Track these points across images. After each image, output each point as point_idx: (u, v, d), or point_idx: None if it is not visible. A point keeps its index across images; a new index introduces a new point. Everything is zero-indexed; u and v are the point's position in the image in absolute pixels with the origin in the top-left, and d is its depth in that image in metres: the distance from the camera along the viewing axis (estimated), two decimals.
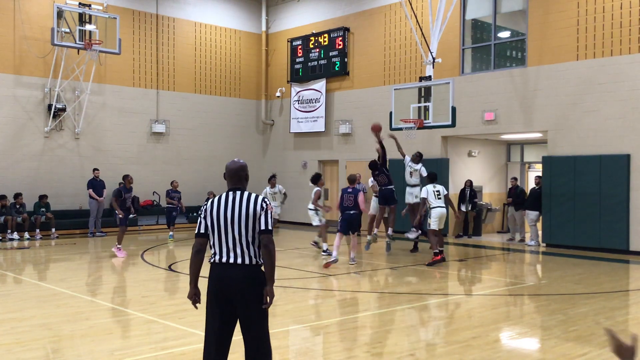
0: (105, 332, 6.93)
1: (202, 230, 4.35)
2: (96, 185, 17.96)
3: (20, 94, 17.75)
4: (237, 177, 4.45)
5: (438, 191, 12.41)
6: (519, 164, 19.72)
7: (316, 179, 13.93)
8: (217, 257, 4.29)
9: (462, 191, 17.62)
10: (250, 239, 4.26)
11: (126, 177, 14.01)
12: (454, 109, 14.08)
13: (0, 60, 17.43)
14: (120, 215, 13.36)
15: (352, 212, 12.29)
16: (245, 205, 4.29)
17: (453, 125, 14.32)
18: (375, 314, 8.07)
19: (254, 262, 4.26)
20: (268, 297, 4.25)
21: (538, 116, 15.59)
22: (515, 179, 17.30)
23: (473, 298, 9.45)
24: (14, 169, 17.56)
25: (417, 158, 14.21)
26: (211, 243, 4.35)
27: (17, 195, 16.74)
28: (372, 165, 13.33)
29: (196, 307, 4.49)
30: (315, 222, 13.95)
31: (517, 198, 16.69)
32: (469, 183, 17.52)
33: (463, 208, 17.42)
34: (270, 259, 4.27)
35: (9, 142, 17.55)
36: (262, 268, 4.31)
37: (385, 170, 13.31)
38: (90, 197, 17.78)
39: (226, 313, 4.26)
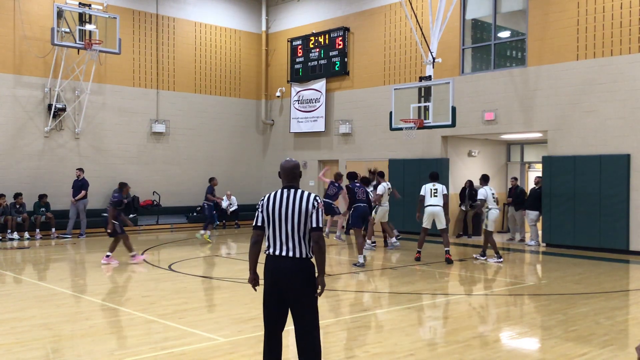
0: (105, 332, 6.93)
1: (259, 223, 4.71)
2: (75, 185, 17.38)
3: (20, 94, 17.75)
4: (292, 175, 4.75)
5: (436, 189, 12.56)
6: (519, 163, 19.72)
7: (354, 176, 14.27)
8: (272, 250, 4.65)
9: (462, 191, 17.63)
10: (302, 234, 4.61)
11: (124, 186, 13.02)
12: (454, 109, 14.08)
13: (1, 60, 17.42)
14: (117, 223, 12.54)
15: (363, 204, 12.65)
16: (299, 202, 4.62)
17: (453, 125, 14.33)
18: (375, 314, 8.07)
19: (304, 255, 4.62)
20: (320, 287, 4.64)
21: (538, 116, 15.59)
22: (515, 178, 17.29)
23: (473, 298, 9.45)
24: (14, 169, 17.56)
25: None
26: (266, 236, 4.69)
27: (17, 195, 16.73)
28: (352, 176, 13.63)
29: (255, 290, 4.89)
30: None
31: (517, 198, 16.69)
32: (469, 183, 17.52)
33: (463, 207, 17.44)
34: (321, 254, 4.65)
35: (9, 142, 17.55)
36: (312, 261, 4.70)
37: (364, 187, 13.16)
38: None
39: (280, 301, 4.66)
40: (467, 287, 10.71)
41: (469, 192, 17.39)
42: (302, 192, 4.69)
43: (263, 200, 4.73)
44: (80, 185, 17.35)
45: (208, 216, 16.54)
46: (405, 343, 6.54)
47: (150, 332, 7.10)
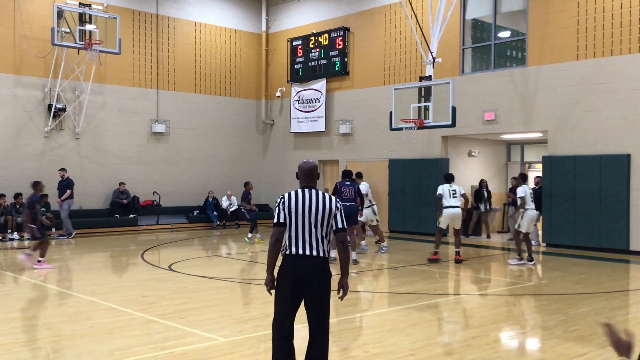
0: (106, 332, 6.93)
1: (282, 220, 4.64)
2: (60, 186, 17.00)
3: (20, 94, 17.75)
4: (310, 175, 4.82)
5: (454, 190, 12.52)
6: (519, 163, 19.72)
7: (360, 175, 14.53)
8: (294, 249, 4.63)
9: (478, 191, 17.51)
10: (324, 234, 4.67)
11: (37, 185, 11.93)
12: (454, 109, 14.08)
13: (1, 60, 17.43)
14: (34, 227, 11.60)
15: (349, 204, 12.21)
16: (322, 202, 4.67)
17: (453, 125, 14.32)
18: (375, 314, 8.07)
19: (325, 255, 4.69)
20: (343, 289, 4.82)
21: (538, 116, 15.59)
22: (515, 178, 17.26)
23: (473, 298, 9.45)
24: (14, 169, 17.56)
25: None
26: (288, 234, 4.65)
27: (17, 195, 16.74)
28: (347, 173, 12.91)
29: (270, 294, 4.84)
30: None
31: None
32: (485, 184, 17.45)
33: (482, 208, 17.35)
34: (347, 254, 4.85)
35: (9, 142, 17.55)
36: (329, 261, 4.79)
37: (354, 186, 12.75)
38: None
39: (296, 299, 4.69)
40: (468, 287, 10.71)
41: (484, 192, 17.27)
42: (323, 193, 4.77)
43: (284, 197, 4.71)
44: (64, 185, 16.85)
45: (251, 219, 16.07)
46: (405, 343, 6.54)
47: (151, 332, 7.10)
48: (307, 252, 4.61)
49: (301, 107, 21.57)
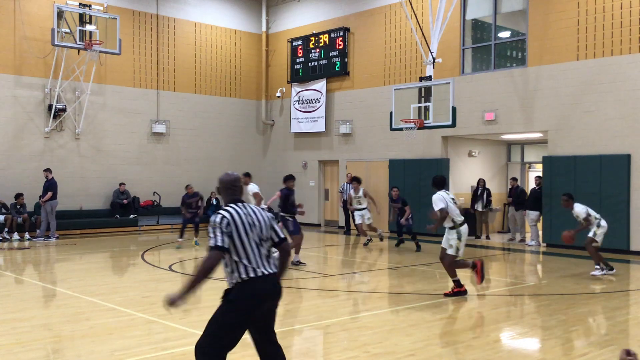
0: (106, 333, 6.93)
1: (226, 245, 4.14)
2: (44, 187, 16.42)
3: (20, 95, 17.76)
4: (235, 188, 4.46)
5: (453, 199, 9.17)
6: (520, 164, 19.72)
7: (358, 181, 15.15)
8: (251, 272, 4.20)
9: (476, 191, 17.46)
10: (269, 248, 4.42)
11: None
12: (454, 109, 14.09)
13: (1, 60, 17.43)
14: None
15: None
16: (261, 216, 4.37)
17: (453, 125, 14.33)
18: (375, 314, 8.07)
19: (275, 270, 4.40)
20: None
21: (538, 116, 15.59)
22: (515, 179, 17.28)
23: (474, 298, 9.44)
24: (15, 169, 17.56)
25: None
26: (237, 257, 4.19)
27: (18, 196, 16.74)
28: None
29: (170, 312, 4.49)
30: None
31: (518, 198, 16.67)
32: (483, 182, 17.41)
33: (479, 208, 17.30)
34: (288, 261, 4.67)
35: (9, 143, 17.56)
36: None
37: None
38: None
39: (249, 324, 4.32)
40: (468, 287, 10.71)
41: (482, 192, 17.25)
42: (254, 206, 4.44)
43: (225, 217, 4.19)
44: (47, 186, 16.40)
45: (183, 222, 15.77)
46: (406, 343, 6.54)
47: (151, 332, 7.10)
48: (266, 272, 4.26)
49: (301, 107, 21.57)
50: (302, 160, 21.75)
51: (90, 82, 18.39)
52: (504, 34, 17.34)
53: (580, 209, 10.91)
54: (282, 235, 4.46)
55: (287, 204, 11.80)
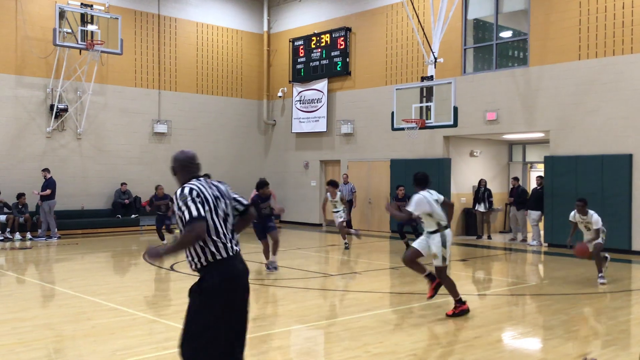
0: (108, 332, 6.94)
1: (204, 214, 3.74)
2: (43, 187, 16.45)
3: (22, 95, 17.78)
4: (193, 166, 4.09)
5: (437, 200, 7.85)
6: (521, 163, 19.70)
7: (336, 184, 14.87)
8: (225, 249, 3.80)
9: (477, 192, 17.42)
10: (233, 224, 4.05)
11: None
12: (455, 109, 14.09)
13: (3, 60, 17.46)
14: None
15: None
16: (224, 189, 4.05)
17: (455, 125, 14.33)
18: (376, 314, 8.06)
19: None
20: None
21: (540, 116, 15.58)
22: (517, 178, 17.27)
23: (475, 298, 9.44)
24: (17, 169, 17.58)
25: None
26: (208, 234, 3.79)
27: (20, 196, 16.76)
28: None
29: (152, 262, 4.35)
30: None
31: (519, 198, 16.67)
32: (484, 183, 17.39)
33: (481, 209, 17.26)
34: (247, 225, 4.33)
35: (11, 143, 17.58)
36: None
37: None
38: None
39: (243, 312, 3.94)
40: (469, 287, 10.70)
41: (484, 193, 17.23)
42: (214, 180, 4.15)
43: (195, 188, 3.84)
44: (45, 186, 16.43)
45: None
46: (407, 343, 6.54)
47: (152, 332, 7.10)
48: (237, 250, 3.91)
49: (303, 107, 21.57)
50: (303, 160, 21.75)
51: (91, 82, 18.40)
52: (506, 34, 17.34)
53: (597, 218, 10.17)
54: (246, 202, 4.18)
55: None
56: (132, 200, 19.33)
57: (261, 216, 11.10)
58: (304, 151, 21.76)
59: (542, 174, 16.28)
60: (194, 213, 3.72)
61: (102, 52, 18.08)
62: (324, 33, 20.77)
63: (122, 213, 18.98)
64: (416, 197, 7.72)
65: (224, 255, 3.81)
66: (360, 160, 19.68)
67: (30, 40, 17.79)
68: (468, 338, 6.79)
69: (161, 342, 6.62)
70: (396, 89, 15.45)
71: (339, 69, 20.36)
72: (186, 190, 3.83)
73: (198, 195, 3.81)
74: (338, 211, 14.83)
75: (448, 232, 7.75)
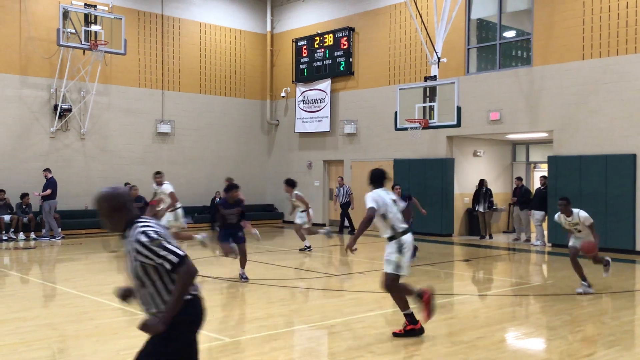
0: (111, 332, 6.94)
1: (183, 252, 3.45)
2: (44, 186, 16.53)
3: (26, 95, 17.82)
4: (131, 202, 3.61)
5: (395, 200, 6.95)
6: (525, 163, 19.66)
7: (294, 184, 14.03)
8: (195, 289, 3.60)
9: (477, 192, 17.37)
10: None
11: None
12: (459, 109, 14.07)
13: (7, 61, 17.50)
14: None
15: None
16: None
17: (458, 125, 14.32)
18: (379, 314, 8.05)
19: None
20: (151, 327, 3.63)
21: (543, 116, 15.54)
22: (520, 178, 17.22)
23: (478, 298, 9.43)
24: (20, 169, 17.61)
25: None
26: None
27: (24, 196, 16.79)
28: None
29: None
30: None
31: (522, 198, 16.63)
32: (485, 183, 17.33)
33: (481, 209, 17.22)
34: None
35: (15, 143, 17.62)
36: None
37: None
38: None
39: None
40: (473, 287, 10.69)
41: (485, 193, 17.18)
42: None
43: (158, 230, 3.44)
44: (46, 185, 16.46)
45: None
46: (411, 343, 6.53)
47: None
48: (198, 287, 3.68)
49: (306, 107, 21.57)
50: (306, 160, 21.75)
51: (95, 82, 18.43)
52: (509, 34, 17.31)
53: (584, 215, 9.27)
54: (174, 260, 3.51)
55: (216, 215, 10.47)
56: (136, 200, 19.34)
57: (227, 224, 10.09)
58: (307, 151, 21.76)
59: (545, 173, 16.24)
60: (180, 252, 3.39)
61: (105, 52, 18.10)
62: (327, 33, 20.77)
63: None
64: (370, 194, 6.75)
65: (194, 292, 3.56)
66: (364, 160, 19.66)
67: (34, 41, 17.82)
68: (471, 338, 6.78)
69: None
70: (399, 89, 15.44)
71: (342, 69, 20.35)
72: (152, 233, 3.37)
73: (164, 238, 3.41)
74: (302, 211, 14.10)
75: (407, 237, 6.77)
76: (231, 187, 10.36)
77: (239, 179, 21.68)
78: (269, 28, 23.00)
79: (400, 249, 6.73)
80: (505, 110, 16.23)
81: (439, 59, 14.80)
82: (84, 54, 18.40)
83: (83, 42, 17.78)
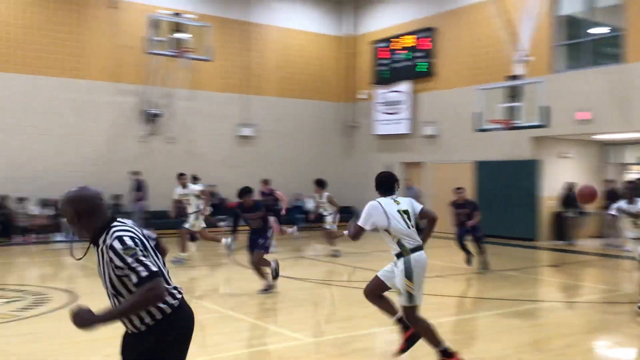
0: (198, 329, 7.17)
1: (157, 268, 3.05)
2: (133, 188, 17.53)
3: (118, 101, 18.77)
4: (104, 204, 3.22)
5: (405, 210, 5.65)
6: (616, 165, 18.74)
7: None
8: (176, 294, 3.22)
9: (566, 195, 16.63)
10: None
11: None
12: (545, 109, 13.61)
13: (100, 68, 18.50)
14: None
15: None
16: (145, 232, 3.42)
17: (544, 125, 13.85)
18: (460, 319, 7.92)
19: None
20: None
21: (637, 115, 14.77)
22: (611, 181, 16.43)
23: (566, 305, 9.08)
24: (113, 172, 18.51)
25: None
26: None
27: (116, 197, 17.65)
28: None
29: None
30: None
31: (613, 201, 15.83)
32: (571, 186, 16.65)
33: (570, 213, 16.56)
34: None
35: (107, 147, 18.58)
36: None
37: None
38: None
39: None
40: (559, 294, 10.31)
41: (572, 197, 16.45)
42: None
43: (134, 237, 3.06)
44: (136, 187, 17.33)
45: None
46: (494, 350, 6.39)
47: (239, 330, 7.29)
48: (180, 291, 3.33)
49: (385, 109, 21.51)
50: (385, 162, 21.66)
51: (182, 88, 19.17)
52: (600, 30, 16.56)
53: (370, 209, 5.73)
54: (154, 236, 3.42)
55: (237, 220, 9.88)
56: (219, 202, 19.88)
57: (251, 230, 9.47)
58: (386, 153, 21.68)
59: (639, 175, 15.42)
60: (153, 267, 2.98)
61: (192, 59, 18.75)
62: (407, 34, 20.64)
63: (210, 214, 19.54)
64: (368, 205, 5.66)
65: (180, 298, 3.23)
66: (443, 162, 19.37)
67: (125, 49, 18.73)
68: (558, 346, 6.55)
69: (245, 340, 6.80)
70: (482, 89, 15.14)
71: (422, 69, 20.16)
72: (128, 240, 3.01)
73: (142, 248, 3.04)
74: (329, 214, 13.81)
75: (417, 256, 5.52)
76: (242, 191, 9.38)
77: None
78: (348, 31, 23.11)
79: (409, 274, 5.48)
80: (594, 110, 15.54)
81: (524, 57, 14.38)
82: (171, 61, 19.14)
83: (171, 50, 18.49)
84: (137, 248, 3.00)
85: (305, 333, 7.00)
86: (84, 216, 3.10)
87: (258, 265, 9.18)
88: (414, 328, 5.72)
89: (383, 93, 21.58)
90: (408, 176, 20.52)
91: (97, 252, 3.10)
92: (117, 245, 2.99)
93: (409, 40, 20.56)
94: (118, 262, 2.98)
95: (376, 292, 5.91)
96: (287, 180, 21.53)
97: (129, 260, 2.96)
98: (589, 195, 7.96)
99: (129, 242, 3.00)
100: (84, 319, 2.91)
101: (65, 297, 8.91)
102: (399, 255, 5.57)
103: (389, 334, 7.28)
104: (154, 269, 2.97)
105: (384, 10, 21.90)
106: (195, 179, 16.07)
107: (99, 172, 18.27)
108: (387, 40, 21.34)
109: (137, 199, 17.21)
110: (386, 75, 21.43)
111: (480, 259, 11.73)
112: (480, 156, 18.19)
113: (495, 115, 14.34)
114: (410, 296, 5.52)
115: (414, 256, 5.49)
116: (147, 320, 3.08)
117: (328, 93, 22.94)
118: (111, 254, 3.00)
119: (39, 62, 17.71)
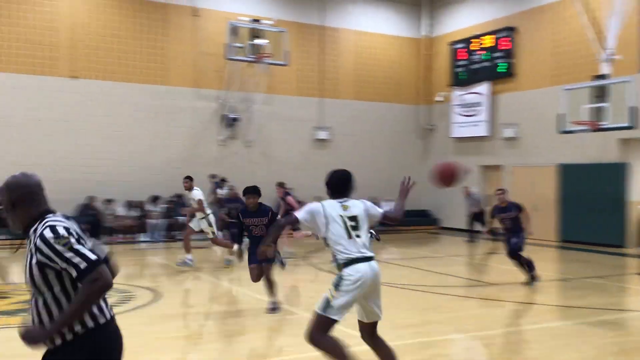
0: (273, 330, 7.24)
1: (96, 257, 2.76)
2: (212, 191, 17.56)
3: (198, 106, 19.38)
4: (42, 193, 2.96)
5: (353, 216, 5.04)
6: None
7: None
8: (108, 311, 2.90)
9: None
10: None
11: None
12: (634, 109, 12.97)
13: (182, 75, 19.18)
14: None
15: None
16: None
17: (633, 126, 13.20)
18: (543, 328, 7.65)
19: None
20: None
21: None
22: None
23: None
24: (193, 175, 19.06)
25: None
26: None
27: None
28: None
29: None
30: None
31: None
32: None
33: None
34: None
35: (188, 150, 19.22)
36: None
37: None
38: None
39: None
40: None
41: None
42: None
43: (68, 228, 2.79)
44: (215, 190, 17.59)
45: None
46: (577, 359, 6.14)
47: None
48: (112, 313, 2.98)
49: (462, 111, 21.12)
50: (463, 165, 21.24)
51: (259, 93, 19.57)
52: None
53: (314, 208, 5.28)
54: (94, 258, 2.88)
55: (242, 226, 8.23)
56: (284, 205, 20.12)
57: (252, 238, 7.99)
58: (463, 156, 21.22)
59: None
60: (91, 256, 2.71)
61: (269, 64, 19.12)
62: (486, 34, 20.17)
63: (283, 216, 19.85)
64: (311, 205, 5.15)
65: (110, 316, 2.90)
66: (524, 166, 18.79)
67: (205, 56, 19.32)
68: None
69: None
70: (565, 90, 14.60)
71: (502, 70, 19.65)
72: (61, 230, 2.75)
73: (77, 235, 2.80)
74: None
75: (359, 267, 4.74)
76: (247, 191, 8.12)
77: (394, 185, 21.73)
78: (425, 32, 22.86)
79: (338, 283, 4.69)
80: None
81: (610, 56, 13.77)
82: (250, 66, 19.58)
83: (249, 55, 18.91)
84: (71, 238, 2.73)
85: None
86: (18, 205, 2.86)
87: (268, 278, 8.02)
88: (314, 344, 4.81)
89: (461, 95, 21.20)
90: (477, 181, 20.02)
91: (28, 244, 2.83)
92: (47, 233, 2.73)
93: (488, 41, 20.10)
94: (48, 253, 2.69)
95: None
96: (363, 184, 21.47)
97: (62, 250, 2.68)
98: (453, 172, 6.18)
99: (61, 231, 2.74)
100: (35, 337, 2.72)
101: (149, 295, 9.29)
102: (339, 266, 4.79)
103: (465, 340, 7.13)
104: (93, 257, 2.70)
105: (462, 10, 21.52)
106: (223, 181, 16.40)
107: (179, 175, 18.88)
108: (466, 40, 20.95)
109: (215, 202, 17.63)
110: (464, 76, 21.04)
111: (522, 270, 10.44)
112: (564, 159, 17.51)
113: (581, 117, 13.78)
114: (327, 304, 4.70)
115: (356, 267, 4.70)
116: (74, 329, 2.76)
117: (404, 95, 22.77)
118: (39, 243, 2.72)
119: (125, 69, 18.56)
